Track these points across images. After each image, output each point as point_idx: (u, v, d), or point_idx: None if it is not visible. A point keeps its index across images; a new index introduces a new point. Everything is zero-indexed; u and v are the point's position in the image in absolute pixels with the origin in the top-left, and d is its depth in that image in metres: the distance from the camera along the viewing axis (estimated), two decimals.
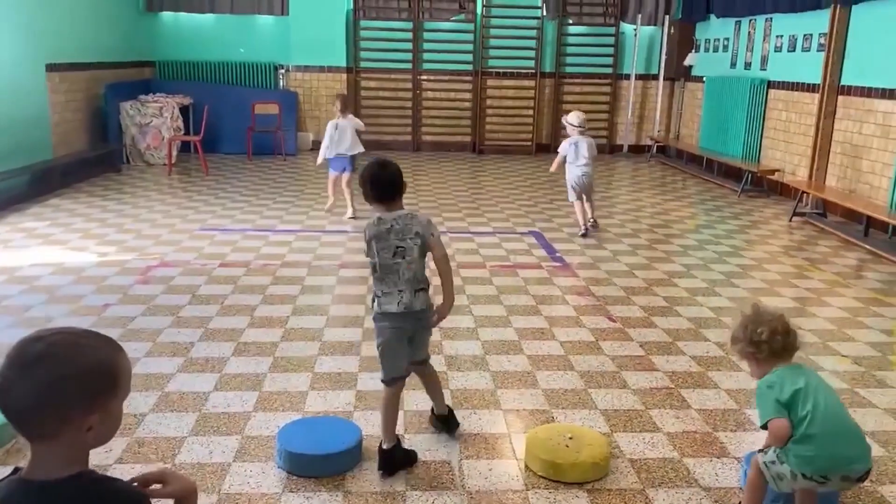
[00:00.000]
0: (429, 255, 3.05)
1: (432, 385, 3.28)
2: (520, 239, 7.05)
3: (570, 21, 13.04)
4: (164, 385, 3.73)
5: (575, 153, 7.10)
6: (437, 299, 3.12)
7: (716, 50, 11.92)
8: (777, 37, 9.92)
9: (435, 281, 3.09)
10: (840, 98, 8.33)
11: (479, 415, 3.50)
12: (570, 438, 3.10)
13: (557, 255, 6.48)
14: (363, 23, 12.71)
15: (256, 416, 3.45)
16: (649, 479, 3.01)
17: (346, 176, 7.70)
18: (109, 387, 1.36)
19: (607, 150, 13.20)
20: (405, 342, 3.06)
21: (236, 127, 11.77)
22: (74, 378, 1.31)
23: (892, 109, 7.44)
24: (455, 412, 3.36)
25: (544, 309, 5.04)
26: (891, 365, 4.27)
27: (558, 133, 11.67)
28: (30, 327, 4.22)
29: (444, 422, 3.30)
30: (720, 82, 11.29)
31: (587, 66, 13.15)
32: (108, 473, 1.65)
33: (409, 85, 12.95)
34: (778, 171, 9.55)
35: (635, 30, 12.86)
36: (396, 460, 3.01)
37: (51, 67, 9.29)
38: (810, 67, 8.87)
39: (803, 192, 8.21)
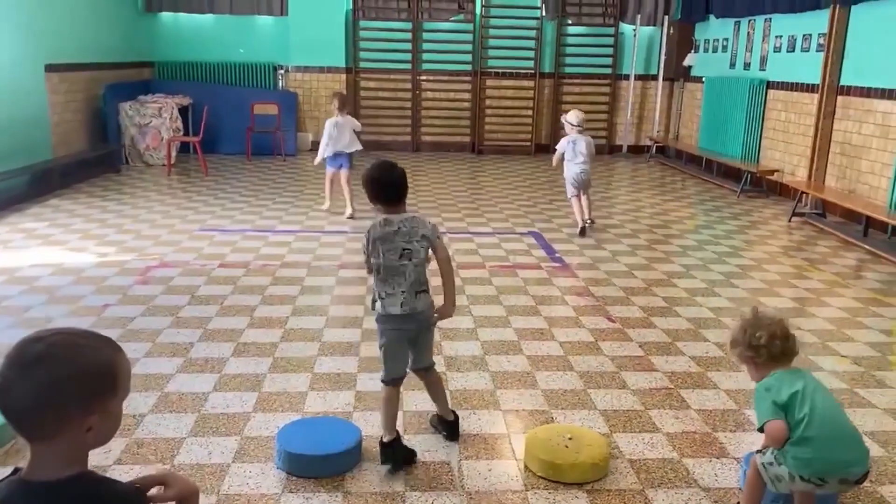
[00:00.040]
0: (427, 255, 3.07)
1: (436, 390, 3.27)
2: (519, 239, 7.05)
3: (570, 21, 13.04)
4: (164, 386, 3.73)
5: (573, 151, 7.23)
6: (437, 300, 3.13)
7: (715, 50, 11.93)
8: (776, 37, 9.92)
9: (434, 281, 3.10)
10: (839, 98, 8.33)
11: (478, 415, 3.50)
12: (570, 439, 3.10)
13: (557, 255, 6.48)
14: (362, 23, 12.71)
15: (256, 416, 3.45)
16: (649, 480, 3.01)
17: (344, 173, 7.74)
18: (109, 387, 1.36)
19: (606, 150, 13.20)
20: (406, 343, 3.09)
21: (236, 127, 11.77)
22: (74, 378, 1.31)
23: (892, 109, 7.44)
24: (455, 413, 3.36)
25: (544, 309, 5.04)
26: (890, 365, 4.27)
27: (557, 133, 11.65)
28: (29, 328, 4.22)
29: (448, 427, 3.29)
30: (719, 82, 11.29)
31: (586, 67, 13.15)
32: (108, 474, 1.65)
33: (409, 85, 12.95)
34: (777, 171, 9.55)
35: (634, 30, 12.87)
36: (397, 453, 3.03)
37: (50, 68, 9.29)
38: (809, 68, 8.88)
39: (802, 192, 8.21)
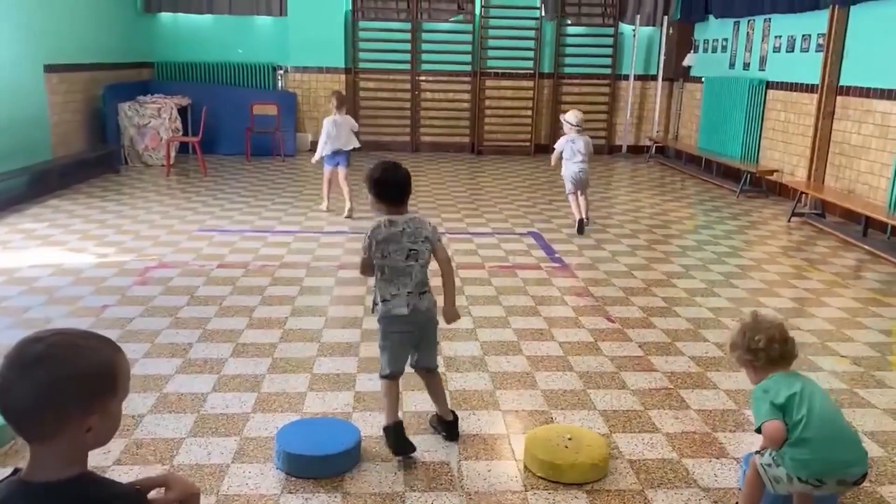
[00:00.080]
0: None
1: (436, 391, 3.28)
2: (518, 239, 7.05)
3: (569, 21, 13.04)
4: (163, 386, 3.73)
5: (572, 151, 7.32)
6: (437, 300, 3.15)
7: (714, 50, 11.93)
8: (776, 37, 9.93)
9: (433, 282, 3.11)
10: (839, 98, 8.34)
11: (477, 416, 3.50)
12: (569, 439, 3.10)
13: (556, 255, 6.48)
14: (362, 23, 12.70)
15: (255, 417, 3.44)
16: (648, 480, 3.01)
17: (341, 171, 7.80)
18: (109, 387, 1.36)
19: (606, 150, 13.21)
20: (409, 346, 3.12)
21: (235, 128, 11.77)
22: (74, 379, 1.31)
23: (891, 110, 7.44)
24: (455, 413, 3.36)
25: (543, 309, 5.04)
26: (889, 365, 4.27)
27: (557, 134, 11.63)
28: (29, 328, 4.21)
29: (447, 427, 3.29)
30: (719, 83, 11.30)
31: (586, 67, 13.15)
32: (107, 475, 1.64)
33: (408, 86, 12.94)
34: (776, 171, 9.55)
35: (634, 30, 12.87)
36: (399, 436, 3.07)
37: (49, 68, 9.29)
38: (809, 68, 8.88)
39: (802, 192, 8.21)
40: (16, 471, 1.37)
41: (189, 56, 12.53)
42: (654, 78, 13.11)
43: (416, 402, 3.53)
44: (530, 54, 12.95)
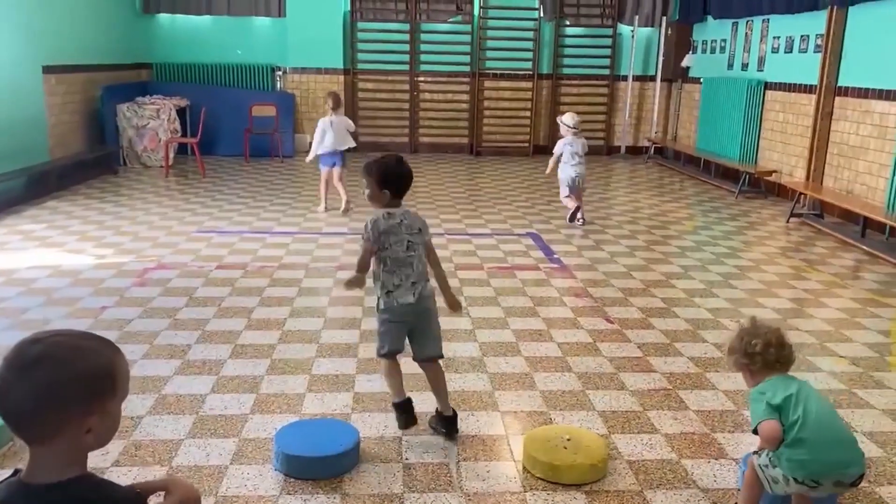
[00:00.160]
0: None
1: (437, 384, 3.31)
2: (517, 240, 7.05)
3: (568, 22, 13.05)
4: (161, 387, 3.73)
5: (570, 153, 7.50)
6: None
7: (713, 51, 11.94)
8: (774, 38, 9.93)
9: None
10: (837, 99, 8.34)
11: (476, 416, 3.50)
12: (568, 440, 3.10)
13: (555, 256, 6.48)
14: (360, 24, 12.71)
15: (254, 418, 3.44)
16: (647, 481, 3.01)
17: (337, 171, 7.90)
18: (108, 388, 1.36)
19: (604, 151, 13.22)
20: (405, 332, 3.21)
21: (233, 129, 11.76)
22: (73, 380, 1.30)
23: (889, 110, 7.45)
24: (454, 410, 3.37)
25: (542, 310, 5.04)
26: (888, 366, 4.27)
27: (555, 135, 11.60)
28: (27, 329, 4.21)
29: (446, 423, 3.30)
30: (717, 83, 11.30)
31: (584, 68, 13.16)
32: (106, 476, 1.64)
33: (407, 86, 12.95)
34: (775, 172, 9.56)
35: (632, 31, 12.87)
36: (408, 412, 3.23)
37: (48, 69, 9.28)
38: (807, 68, 8.89)
39: (800, 193, 8.22)
40: (16, 472, 1.36)
41: (188, 57, 12.53)
42: (653, 79, 13.12)
43: (416, 402, 3.52)
44: (529, 55, 12.95)
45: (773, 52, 9.97)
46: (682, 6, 12.70)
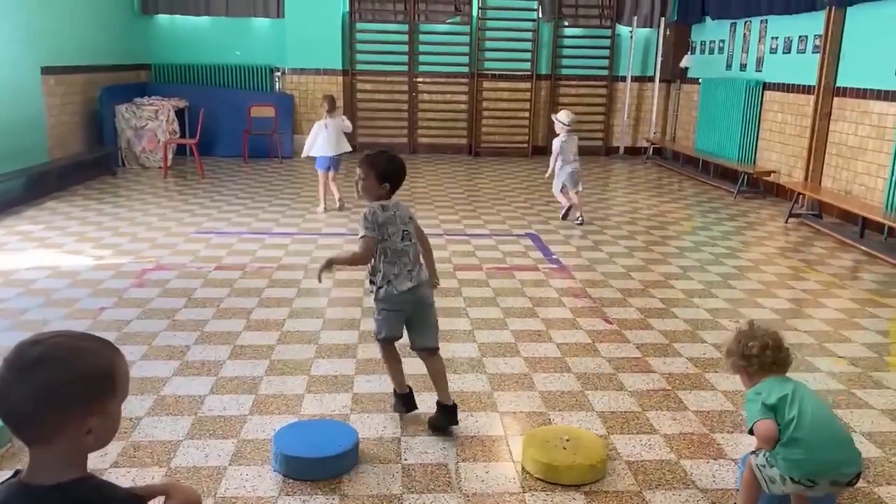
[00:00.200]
0: None
1: (437, 375, 3.35)
2: (516, 241, 7.05)
3: (566, 23, 13.05)
4: (160, 388, 3.72)
5: (567, 150, 7.67)
6: None
7: (711, 52, 11.95)
8: (772, 38, 9.94)
9: None
10: (835, 99, 8.35)
11: (475, 417, 3.50)
12: (567, 440, 3.10)
13: (554, 257, 6.48)
14: (359, 25, 12.70)
15: (252, 419, 3.44)
16: (646, 481, 3.01)
17: (331, 174, 8.06)
18: (108, 389, 1.36)
19: (603, 152, 13.23)
20: (402, 321, 3.29)
21: (232, 130, 11.75)
22: (73, 381, 1.30)
23: (888, 111, 7.46)
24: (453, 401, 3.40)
25: (541, 311, 5.04)
26: (887, 366, 4.27)
27: (554, 135, 11.67)
28: (26, 331, 4.21)
29: (447, 413, 3.32)
30: (716, 84, 11.31)
31: (583, 69, 13.16)
32: (104, 477, 1.64)
33: (405, 87, 12.95)
34: (774, 172, 9.56)
35: (631, 32, 12.88)
36: (411, 405, 3.42)
37: (46, 70, 9.28)
38: (806, 69, 8.89)
39: (799, 193, 8.23)
40: (16, 472, 1.36)
41: (186, 58, 12.53)
42: (651, 79, 13.12)
43: (416, 403, 3.53)
44: (527, 56, 12.96)
45: (771, 52, 9.97)
46: (681, 7, 12.71)
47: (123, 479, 2.89)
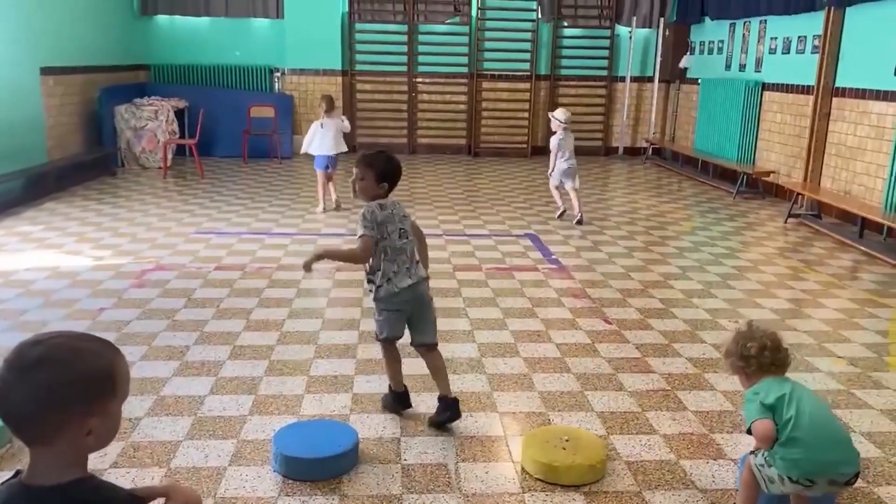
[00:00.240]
0: None
1: (437, 370, 3.39)
2: (515, 241, 7.05)
3: (566, 23, 13.05)
4: (160, 389, 3.72)
5: (564, 147, 7.83)
6: None
7: (710, 52, 11.95)
8: (771, 39, 9.95)
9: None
10: (834, 100, 8.36)
11: (475, 417, 3.50)
12: (567, 441, 3.10)
13: (553, 257, 6.48)
14: (358, 25, 12.71)
15: (252, 419, 3.44)
16: (646, 482, 3.01)
17: (328, 173, 8.10)
18: (108, 389, 1.36)
19: (602, 152, 13.23)
20: (403, 320, 3.32)
21: (232, 130, 11.75)
22: (74, 381, 1.30)
23: (887, 111, 7.46)
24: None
25: (540, 311, 5.04)
26: (886, 366, 4.27)
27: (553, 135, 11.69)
28: (25, 331, 4.21)
29: (449, 406, 3.34)
30: (715, 84, 11.32)
31: (582, 69, 13.17)
32: (104, 478, 1.64)
33: (405, 88, 12.95)
34: (773, 172, 9.57)
35: (630, 32, 12.88)
36: (407, 403, 3.46)
37: (45, 71, 9.28)
38: (805, 69, 8.90)
39: (798, 193, 8.23)
40: (17, 473, 1.37)
41: (186, 58, 12.53)
42: (651, 80, 13.13)
43: (415, 403, 3.53)
44: (527, 56, 12.96)
45: (770, 52, 9.98)
46: (680, 7, 12.72)
47: (123, 479, 2.89)
